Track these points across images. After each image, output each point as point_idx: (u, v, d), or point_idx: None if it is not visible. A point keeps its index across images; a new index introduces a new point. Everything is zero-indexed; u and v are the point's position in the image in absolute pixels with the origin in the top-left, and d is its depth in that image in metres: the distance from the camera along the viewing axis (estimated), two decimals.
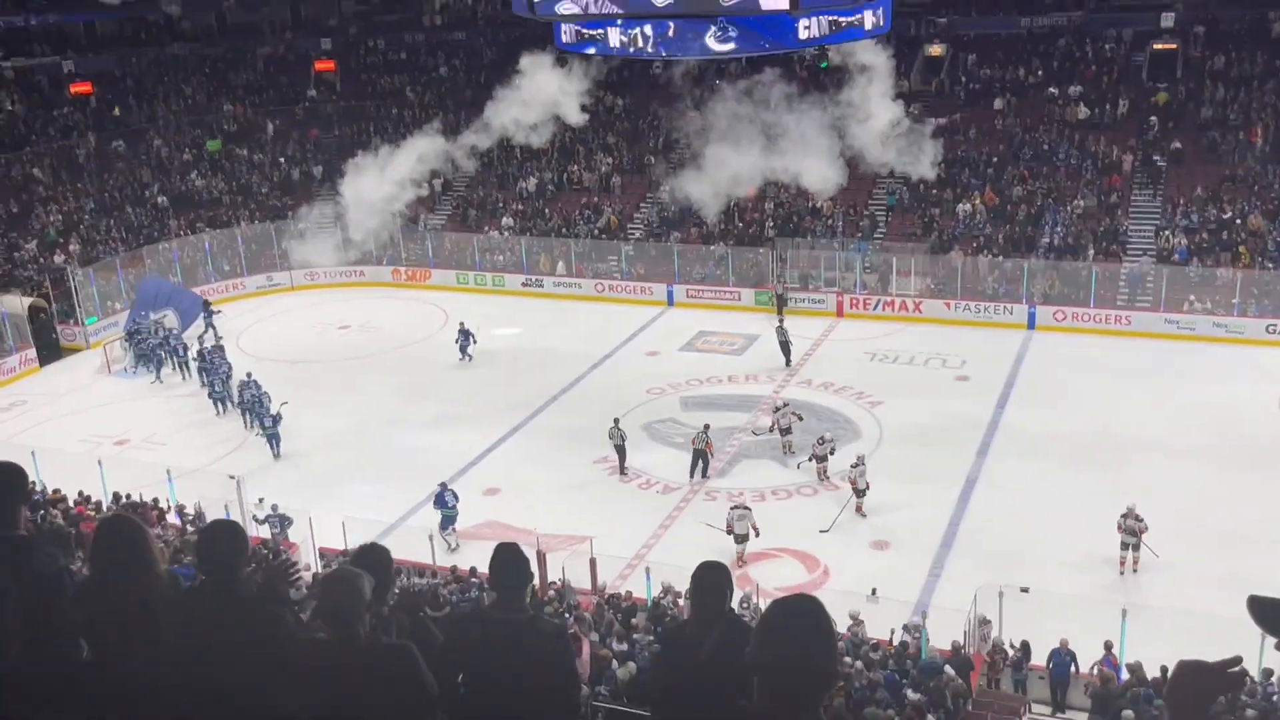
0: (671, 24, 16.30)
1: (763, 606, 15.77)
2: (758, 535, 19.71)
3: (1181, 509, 20.35)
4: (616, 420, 23.70)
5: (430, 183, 38.98)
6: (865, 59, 32.17)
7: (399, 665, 3.35)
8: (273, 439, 25.15)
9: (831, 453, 22.58)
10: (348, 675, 3.25)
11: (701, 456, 23.09)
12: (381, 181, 34.01)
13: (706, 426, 23.41)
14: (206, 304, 33.04)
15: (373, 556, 4.05)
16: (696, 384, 28.00)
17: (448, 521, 20.74)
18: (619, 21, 16.52)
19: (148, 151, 41.81)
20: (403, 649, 3.40)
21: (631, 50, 16.95)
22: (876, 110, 31.75)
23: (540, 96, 32.31)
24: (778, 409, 24.09)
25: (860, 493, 21.09)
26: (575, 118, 33.38)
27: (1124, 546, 18.87)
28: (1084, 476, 21.96)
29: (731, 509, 19.95)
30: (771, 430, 23.98)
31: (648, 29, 16.44)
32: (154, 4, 40.07)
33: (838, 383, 27.58)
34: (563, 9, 16.44)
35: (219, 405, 27.65)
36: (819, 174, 31.43)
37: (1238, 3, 37.85)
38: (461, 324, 30.15)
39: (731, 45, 16.29)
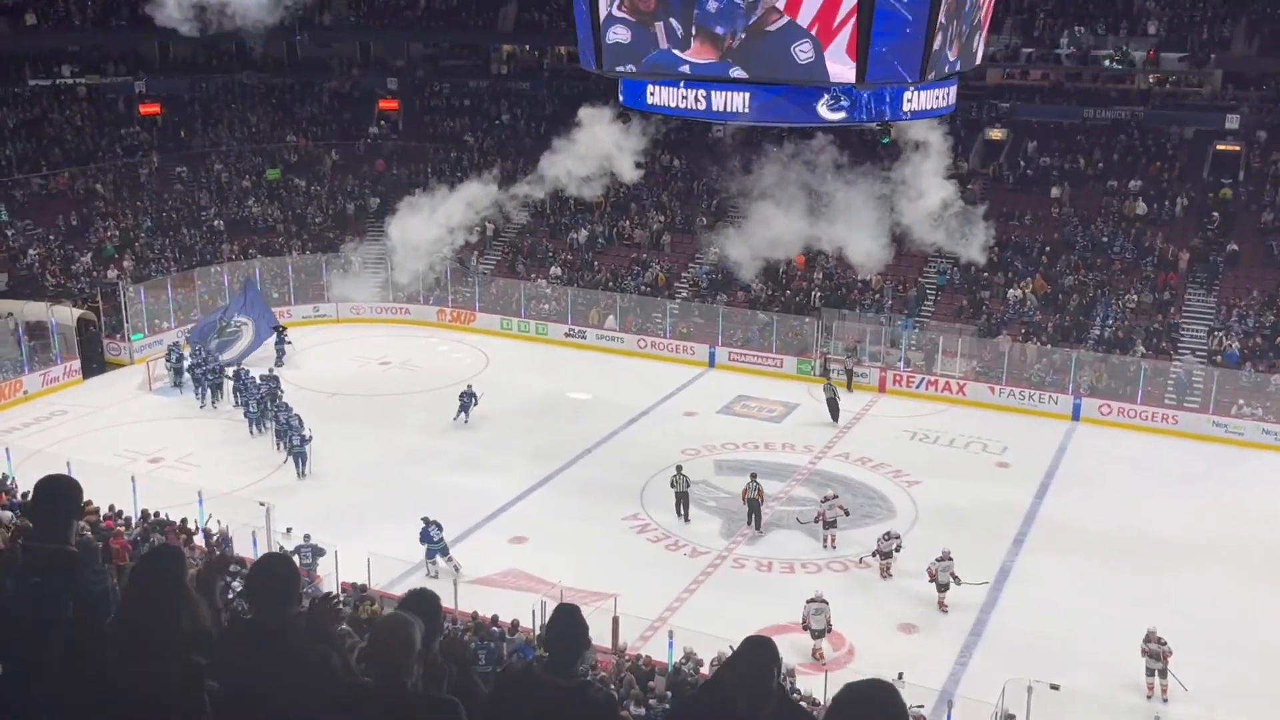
0: (786, 90, 16.15)
1: (786, 684, 15.49)
2: (830, 630, 18.92)
3: (1221, 620, 19.84)
4: (679, 467, 24.23)
5: (481, 227, 39.36)
6: (920, 136, 32.35)
7: None
8: (299, 458, 25.58)
9: (897, 549, 21.33)
10: None
11: (754, 507, 23.55)
12: (430, 224, 34.45)
13: (754, 475, 23.92)
14: (281, 329, 33.52)
15: (423, 603, 3.92)
16: (732, 448, 27.78)
17: (433, 553, 21.17)
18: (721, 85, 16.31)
19: (208, 175, 42.48)
20: (450, 706, 3.25)
21: (730, 115, 16.80)
22: (928, 188, 31.82)
23: (596, 150, 32.69)
24: (825, 499, 23.07)
25: (943, 587, 20.34)
26: (629, 174, 33.76)
27: (1149, 672, 17.93)
28: (1121, 578, 21.48)
29: (808, 602, 18.98)
30: (816, 521, 22.82)
31: (742, 96, 16.31)
32: (228, 33, 40.73)
33: (875, 458, 27.27)
34: (632, 66, 16.48)
35: (254, 426, 27.86)
36: (864, 247, 31.55)
37: None
38: (469, 386, 29.10)
39: (843, 114, 16.17)
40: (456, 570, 20.83)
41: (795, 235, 32.48)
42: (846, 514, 22.76)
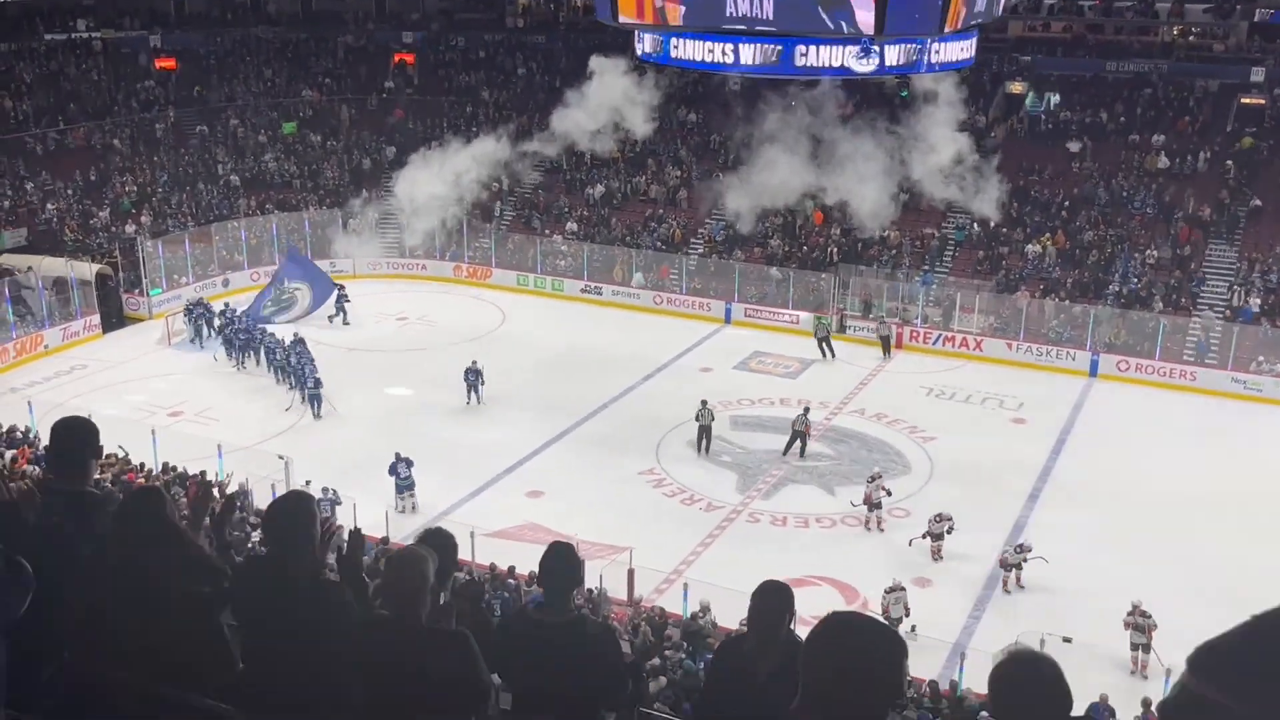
0: (819, 42, 16.05)
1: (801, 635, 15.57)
2: (908, 615, 18.10)
3: (1235, 578, 19.83)
4: (704, 401, 25.12)
5: (499, 182, 39.41)
6: (933, 88, 32.15)
7: (455, 652, 3.26)
8: (314, 399, 26.42)
9: (949, 531, 20.54)
10: (404, 658, 3.17)
11: (800, 438, 24.60)
12: (440, 180, 34.63)
13: (807, 409, 25.33)
14: (341, 288, 33.55)
15: (438, 540, 3.97)
16: (748, 404, 27.81)
17: (401, 489, 21.87)
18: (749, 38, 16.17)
19: (224, 130, 42.43)
20: (461, 637, 3.31)
21: (762, 68, 16.65)
22: (940, 142, 31.67)
23: (607, 102, 32.64)
24: (871, 479, 22.04)
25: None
26: (641, 128, 33.74)
27: (1133, 646, 17.65)
28: (1137, 535, 21.43)
29: (886, 592, 18.34)
30: (865, 504, 21.87)
31: (776, 47, 16.19)
32: None
33: (891, 414, 27.26)
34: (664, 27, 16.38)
35: (278, 375, 28.29)
36: (871, 202, 31.77)
37: None
38: (474, 362, 27.52)
39: (874, 65, 16.07)
40: (414, 509, 21.71)
41: (804, 187, 32.83)
42: (889, 494, 21.92)
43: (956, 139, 32.13)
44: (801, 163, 32.17)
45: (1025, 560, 19.77)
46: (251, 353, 29.60)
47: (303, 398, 26.92)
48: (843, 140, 32.37)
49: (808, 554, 20.56)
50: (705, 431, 24.99)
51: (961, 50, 16.54)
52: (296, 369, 27.25)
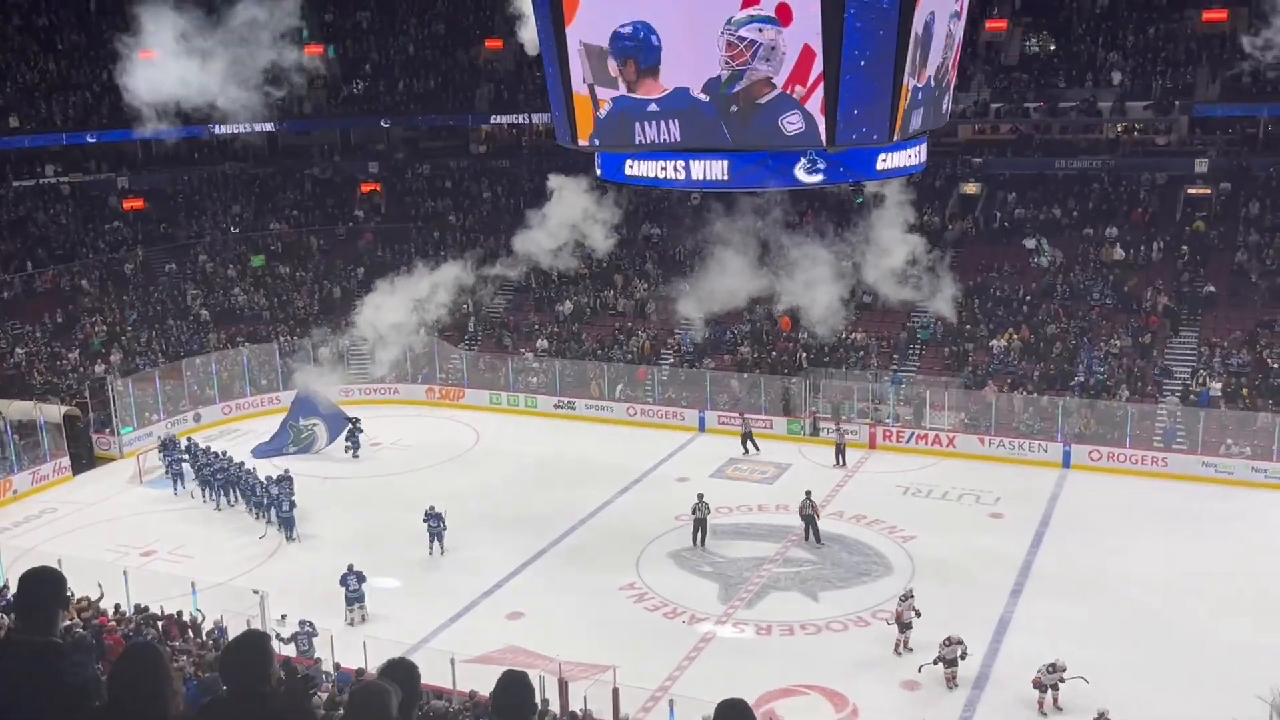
0: (764, 156, 16.58)
1: None
2: (919, 616, 20.40)
3: (1219, 661, 19.78)
4: (700, 495, 26.07)
5: (466, 305, 40.10)
6: (885, 193, 33.51)
7: None
8: (288, 523, 26.47)
9: (963, 656, 19.62)
10: None
11: (811, 522, 25.59)
12: (404, 306, 35.41)
13: (809, 493, 26.08)
14: (354, 420, 33.15)
15: (401, 671, 3.99)
16: (726, 512, 27.74)
17: (351, 601, 22.28)
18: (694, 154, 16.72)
19: (193, 266, 42.76)
20: None
21: (711, 184, 17.23)
22: (892, 245, 32.80)
23: (568, 220, 33.83)
24: (903, 599, 20.97)
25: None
26: (602, 244, 35.36)
27: (1042, 689, 18.70)
28: (1118, 625, 21.42)
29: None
30: (894, 622, 20.89)
31: (723, 163, 16.73)
32: (209, 125, 41.32)
33: (869, 515, 27.27)
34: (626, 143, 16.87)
35: (256, 512, 27.95)
36: (823, 305, 33.05)
37: (1269, 151, 38.42)
38: (431, 507, 26.00)
39: (820, 176, 16.55)
40: (363, 620, 22.04)
41: (757, 292, 34.60)
42: (918, 615, 20.64)
43: (908, 240, 33.21)
44: (753, 269, 33.76)
45: (963, 655, 19.49)
46: (230, 490, 29.09)
47: (278, 525, 26.81)
48: (794, 246, 33.77)
49: (794, 662, 20.35)
50: (701, 525, 25.61)
51: (910, 157, 17.02)
52: (276, 500, 27.07)
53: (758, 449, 32.08)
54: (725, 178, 16.77)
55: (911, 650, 20.53)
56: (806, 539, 25.62)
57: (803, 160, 16.19)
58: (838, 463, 30.95)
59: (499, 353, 39.14)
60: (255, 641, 3.72)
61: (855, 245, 34.52)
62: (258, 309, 41.43)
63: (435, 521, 25.65)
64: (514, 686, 4.15)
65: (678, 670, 20.32)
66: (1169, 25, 40.02)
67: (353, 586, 22.30)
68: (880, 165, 16.56)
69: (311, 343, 38.57)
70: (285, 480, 27.90)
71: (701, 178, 16.76)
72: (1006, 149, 42.01)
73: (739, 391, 35.26)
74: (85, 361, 36.75)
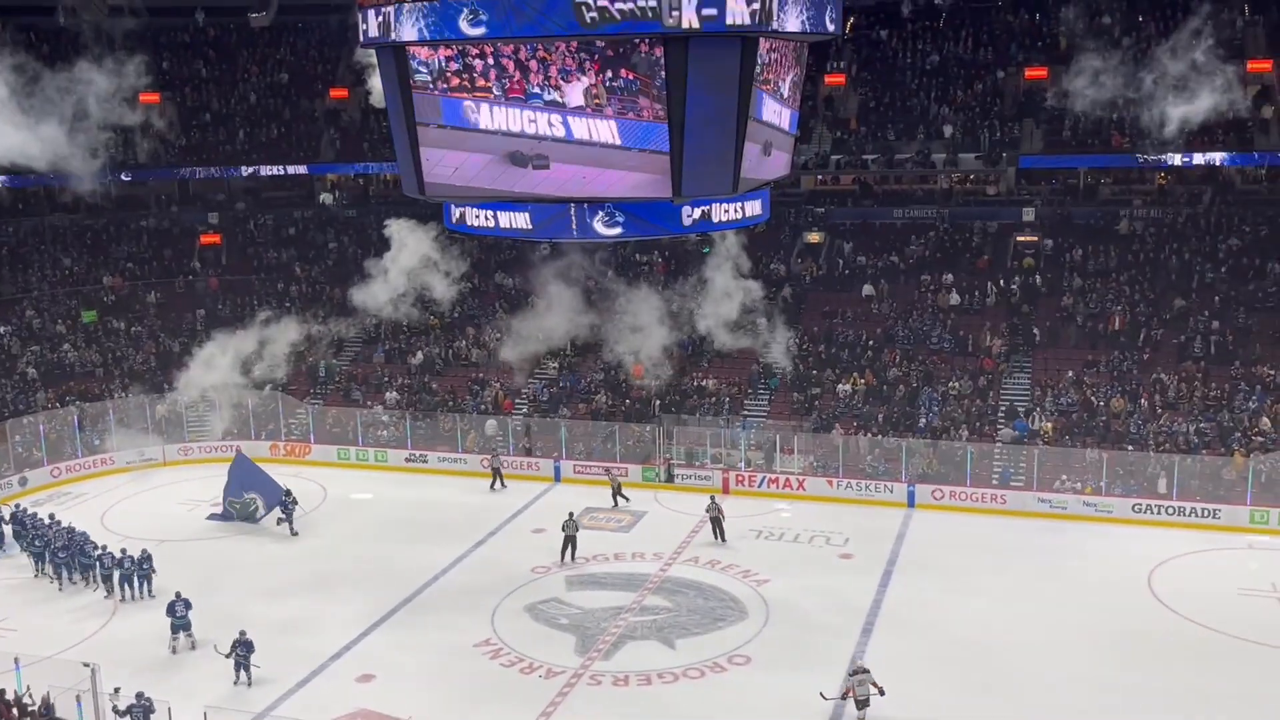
0: (563, 209, 16.91)
1: None
2: (882, 694, 19.18)
3: (1062, 694, 20.51)
4: (571, 514, 27.95)
5: (310, 356, 39.39)
6: (725, 241, 35.05)
7: None
8: (144, 579, 25.96)
9: (880, 693, 19.20)
10: None
11: (571, 542, 27.34)
12: (238, 363, 35.79)
13: (571, 514, 28.00)
14: (287, 493, 30.61)
15: None
16: (583, 561, 27.58)
17: (178, 628, 22.93)
18: (506, 205, 17.16)
19: (19, 321, 40.67)
20: None
21: (517, 232, 17.60)
22: (730, 293, 34.14)
23: (410, 269, 34.24)
24: (854, 673, 19.80)
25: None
26: (443, 292, 36.46)
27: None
28: (965, 659, 22.05)
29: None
30: (844, 698, 19.67)
31: (524, 215, 17.31)
32: (33, 172, 39.46)
33: (724, 560, 27.48)
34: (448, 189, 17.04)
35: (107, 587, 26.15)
36: (650, 350, 35.22)
37: (1090, 201, 40.73)
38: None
39: (619, 230, 16.93)
40: (191, 648, 22.83)
41: (578, 335, 37.11)
42: (881, 693, 19.26)
43: (746, 287, 34.50)
44: (580, 312, 36.15)
45: (880, 692, 19.19)
46: (70, 566, 26.86)
47: (110, 586, 25.98)
48: (628, 291, 36.23)
49: (651, 712, 20.27)
50: (570, 541, 27.35)
51: (727, 211, 17.52)
52: (127, 572, 25.87)
53: (628, 500, 31.94)
54: (529, 227, 17.37)
55: None
56: (715, 538, 28.38)
57: (600, 213, 16.66)
58: (718, 538, 29.08)
59: (347, 406, 38.27)
60: None
61: (692, 292, 36.35)
62: (90, 366, 39.59)
63: (244, 649, 21.77)
64: None
65: None
66: (995, 81, 42.10)
67: (180, 613, 22.95)
68: (686, 221, 17.01)
69: (148, 401, 37.10)
70: (146, 559, 26.23)
71: (508, 226, 17.47)
72: (847, 199, 43.41)
73: (601, 439, 35.27)
74: None
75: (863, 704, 19.20)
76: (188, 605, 23.04)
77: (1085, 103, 34.71)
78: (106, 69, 36.09)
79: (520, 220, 17.30)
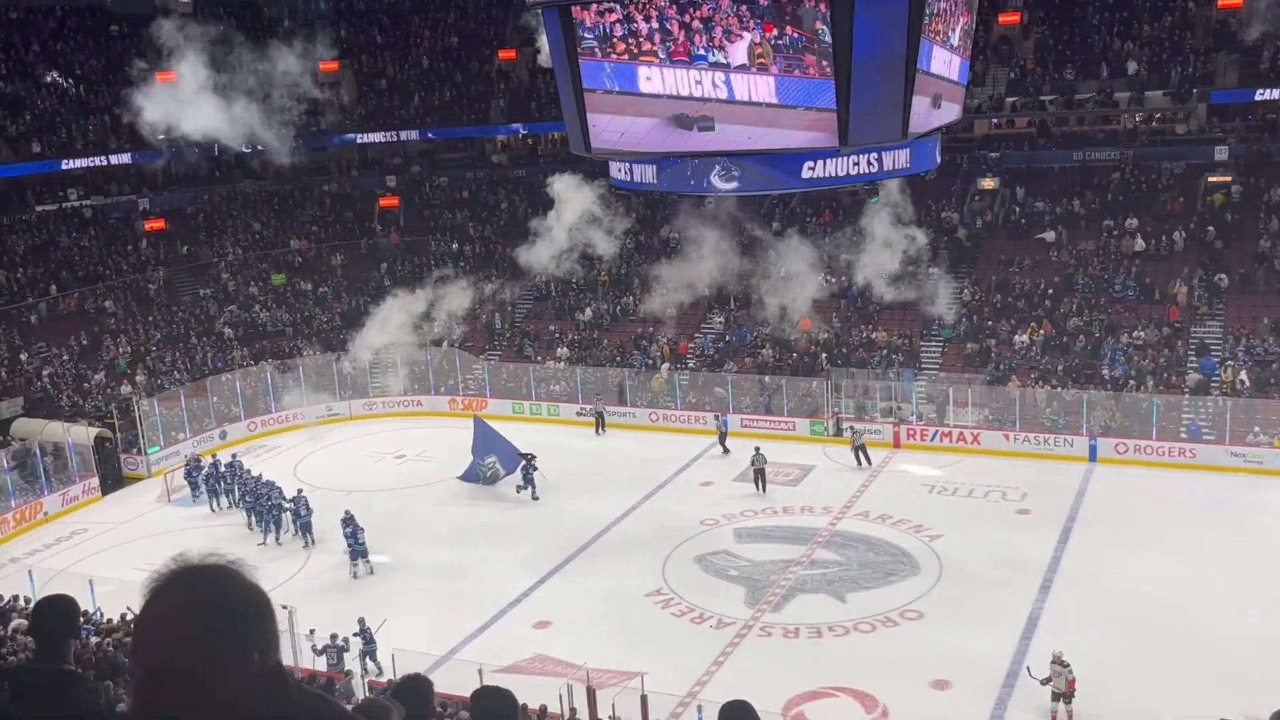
0: (683, 163, 17.14)
1: None
2: (1072, 696, 17.79)
3: (1245, 659, 19.61)
4: (758, 448, 29.38)
5: (485, 315, 40.47)
6: (892, 190, 34.29)
7: None
8: (305, 529, 27.20)
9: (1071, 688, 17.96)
10: None
11: (761, 474, 28.69)
12: (403, 324, 36.64)
13: (758, 448, 29.37)
14: (530, 457, 30.07)
15: (413, 687, 3.98)
16: (751, 515, 27.71)
17: (356, 555, 24.97)
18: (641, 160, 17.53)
19: (216, 284, 43.09)
20: None
21: (646, 185, 17.96)
22: (888, 245, 33.50)
23: (572, 225, 34.88)
24: (1054, 662, 18.30)
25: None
26: (605, 247, 36.97)
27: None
28: (1150, 620, 21.24)
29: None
30: (1044, 683, 18.27)
31: (651, 169, 17.47)
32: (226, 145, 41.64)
33: (895, 515, 27.15)
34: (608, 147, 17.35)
35: (268, 528, 27.86)
36: (816, 303, 35.25)
37: None
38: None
39: (735, 184, 16.97)
40: (370, 572, 24.95)
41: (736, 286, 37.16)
42: (1068, 699, 18.05)
43: (913, 237, 33.86)
44: (732, 263, 36.54)
45: (1059, 675, 18.07)
46: (258, 512, 28.50)
47: (295, 530, 27.45)
48: (780, 243, 36.36)
49: (823, 665, 20.30)
50: (760, 474, 28.84)
51: (854, 165, 17.14)
52: (280, 504, 27.75)
53: (728, 451, 32.22)
54: (654, 181, 17.50)
55: None
56: (757, 489, 28.79)
57: (717, 167, 16.58)
58: (860, 464, 30.69)
59: (520, 361, 39.23)
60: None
61: (857, 243, 35.75)
62: (280, 325, 41.69)
63: (349, 527, 25.33)
64: (497, 699, 4.10)
65: (706, 675, 20.29)
66: (1185, 12, 39.71)
67: (361, 539, 24.91)
68: (805, 174, 16.69)
69: (336, 358, 38.82)
70: (300, 498, 27.85)
71: (639, 180, 17.70)
72: (1024, 143, 41.76)
73: (769, 394, 35.21)
74: (111, 383, 37.09)
75: (1057, 696, 18.00)
76: (363, 530, 25.02)
77: None
78: (291, 40, 37.73)
79: (649, 174, 17.58)
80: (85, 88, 45.81)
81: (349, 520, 25.33)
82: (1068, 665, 18.11)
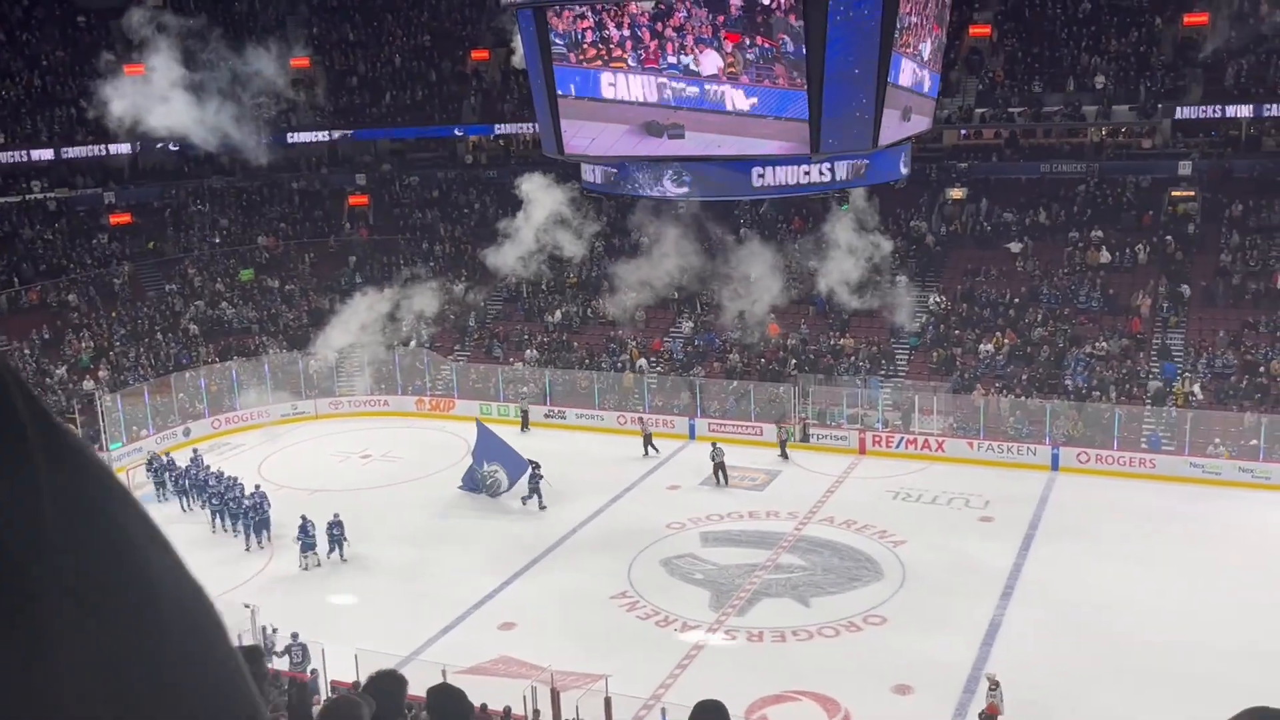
0: (638, 168, 17.36)
1: None
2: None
3: (1203, 667, 19.90)
4: (715, 443, 30.49)
5: (453, 315, 40.42)
6: (858, 197, 34.72)
7: None
8: (263, 525, 27.19)
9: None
10: None
11: (721, 468, 29.61)
12: (368, 324, 36.67)
13: (715, 444, 30.50)
14: (536, 465, 29.22)
15: (384, 684, 4.00)
16: (717, 519, 27.81)
17: (307, 548, 25.52)
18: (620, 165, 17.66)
19: (181, 280, 42.72)
20: None
21: (602, 186, 18.21)
22: (858, 249, 33.83)
23: (541, 225, 34.96)
24: (992, 688, 18.35)
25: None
26: (573, 249, 37.09)
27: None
28: (1110, 630, 21.50)
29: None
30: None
31: (604, 170, 17.69)
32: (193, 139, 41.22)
33: (859, 520, 27.34)
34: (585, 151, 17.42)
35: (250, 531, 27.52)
36: (775, 303, 35.62)
37: (1252, 154, 38.67)
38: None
39: (686, 189, 17.15)
40: (318, 565, 25.47)
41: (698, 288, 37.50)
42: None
43: (879, 246, 34.13)
44: (710, 272, 37.01)
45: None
46: (222, 514, 28.34)
47: (245, 533, 27.26)
48: (745, 248, 36.76)
49: (787, 669, 20.43)
50: (720, 467, 29.72)
51: (805, 174, 17.27)
52: (251, 509, 27.35)
53: (657, 451, 32.60)
54: (603, 181, 17.72)
55: None
56: (718, 482, 29.66)
57: (669, 172, 16.77)
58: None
59: (489, 362, 39.17)
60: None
61: (825, 250, 35.88)
62: (247, 322, 41.41)
63: (338, 529, 26.03)
64: (450, 697, 4.14)
65: (670, 678, 20.36)
66: (1151, 28, 40.25)
67: (311, 532, 25.32)
68: (755, 183, 16.83)
69: (300, 356, 38.63)
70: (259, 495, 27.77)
71: (591, 181, 17.96)
72: (991, 154, 42.18)
73: (736, 398, 35.36)
74: (73, 377, 36.68)
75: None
76: (315, 526, 25.28)
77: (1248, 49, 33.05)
78: (262, 35, 37.53)
79: (611, 176, 17.80)
80: (51, 79, 45.31)
81: (336, 524, 25.94)
82: (999, 686, 18.14)
